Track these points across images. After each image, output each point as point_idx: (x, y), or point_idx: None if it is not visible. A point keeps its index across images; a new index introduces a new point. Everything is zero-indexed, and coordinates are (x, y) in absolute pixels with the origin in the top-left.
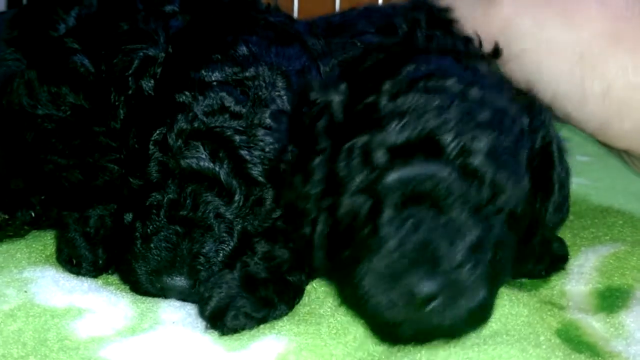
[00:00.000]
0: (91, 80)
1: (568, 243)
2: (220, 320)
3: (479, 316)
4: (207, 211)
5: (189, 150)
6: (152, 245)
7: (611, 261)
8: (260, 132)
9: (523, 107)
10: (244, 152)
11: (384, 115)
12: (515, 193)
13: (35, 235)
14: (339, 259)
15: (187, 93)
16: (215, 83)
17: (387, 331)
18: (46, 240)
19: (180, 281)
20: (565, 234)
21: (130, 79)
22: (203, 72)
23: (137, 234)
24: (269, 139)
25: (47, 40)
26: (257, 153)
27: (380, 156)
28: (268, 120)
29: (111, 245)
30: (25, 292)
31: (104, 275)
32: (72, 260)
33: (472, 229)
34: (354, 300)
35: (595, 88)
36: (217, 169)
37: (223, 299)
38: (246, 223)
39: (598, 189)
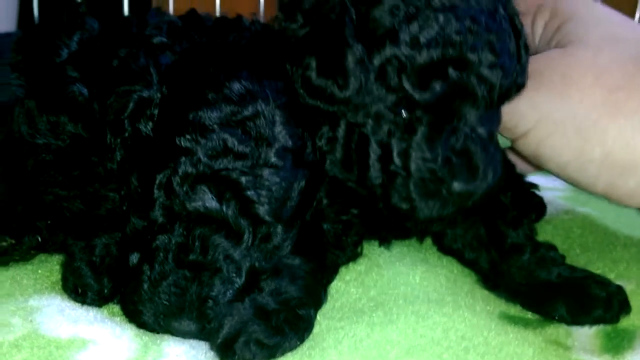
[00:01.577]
0: (89, 109)
1: None
2: (231, 348)
3: None
4: (217, 253)
5: (195, 194)
6: (160, 289)
7: None
8: (266, 172)
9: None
10: (250, 193)
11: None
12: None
13: (41, 260)
14: None
15: (187, 136)
16: (215, 125)
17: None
18: (52, 266)
19: (188, 325)
20: None
21: (126, 121)
22: (201, 113)
23: (144, 277)
24: (275, 178)
25: (49, 67)
26: (264, 193)
27: None
28: (273, 159)
29: (116, 274)
30: (31, 321)
31: (109, 305)
32: (77, 289)
33: None
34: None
35: (596, 154)
36: (224, 210)
37: (234, 325)
38: (254, 261)
39: (605, 219)
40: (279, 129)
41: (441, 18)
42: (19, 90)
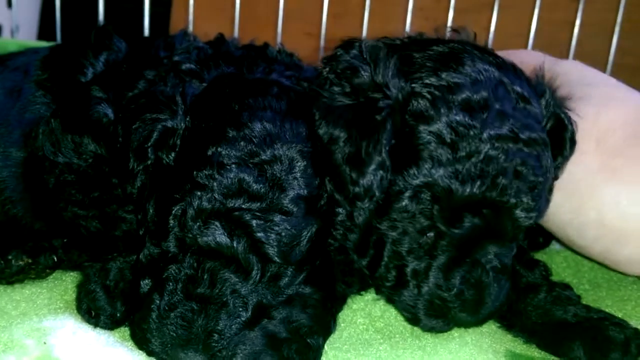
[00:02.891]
0: (112, 131)
1: None
2: None
3: None
4: (224, 288)
5: (207, 229)
6: (167, 321)
7: None
8: (277, 218)
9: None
10: (260, 235)
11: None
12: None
13: (55, 278)
14: None
15: (205, 171)
16: (233, 164)
17: None
18: (66, 285)
19: (194, 357)
20: None
21: (149, 149)
22: (220, 149)
23: (153, 306)
24: (285, 225)
25: (74, 86)
26: (273, 236)
27: None
28: (287, 206)
29: (129, 298)
30: (44, 343)
31: (121, 329)
32: (91, 312)
33: None
34: None
35: (591, 217)
36: (235, 246)
37: (247, 355)
38: (261, 297)
39: None
40: (296, 176)
41: (490, 154)
42: (42, 108)
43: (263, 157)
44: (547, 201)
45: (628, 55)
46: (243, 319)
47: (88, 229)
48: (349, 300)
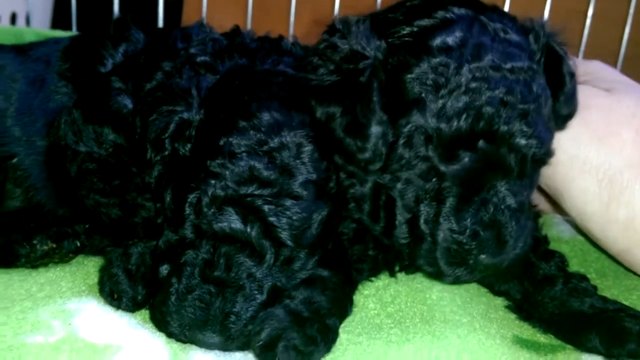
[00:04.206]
0: (131, 122)
1: None
2: (272, 350)
3: None
4: (240, 271)
5: (222, 215)
6: (186, 303)
7: None
8: (288, 202)
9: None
10: (272, 219)
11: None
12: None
13: (78, 262)
14: None
15: (217, 161)
16: (244, 153)
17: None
18: (88, 269)
19: (211, 338)
20: None
21: (167, 141)
22: (231, 139)
23: (171, 289)
24: (296, 208)
25: (95, 77)
26: (284, 220)
27: None
28: (297, 190)
29: (150, 282)
30: (70, 324)
31: (142, 311)
32: (113, 295)
33: None
34: None
35: (620, 215)
36: (248, 231)
37: (275, 330)
38: (275, 280)
39: None
40: (303, 161)
41: (472, 87)
42: (65, 98)
43: (271, 145)
44: (549, 130)
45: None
46: (259, 301)
47: (109, 215)
48: (360, 287)
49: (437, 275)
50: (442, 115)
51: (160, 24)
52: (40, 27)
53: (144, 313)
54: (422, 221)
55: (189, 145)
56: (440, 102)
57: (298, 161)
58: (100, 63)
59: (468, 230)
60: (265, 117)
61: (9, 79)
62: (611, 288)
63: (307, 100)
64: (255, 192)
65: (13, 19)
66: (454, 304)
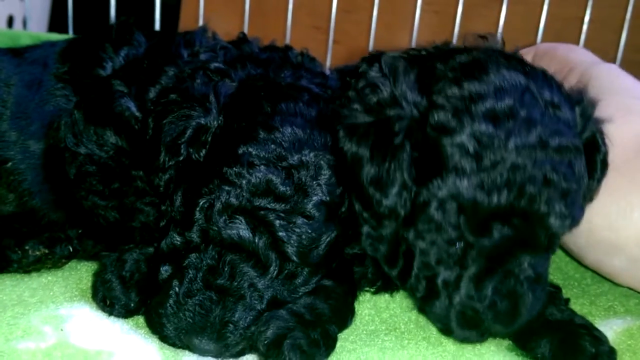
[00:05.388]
0: (134, 124)
1: (584, 311)
2: (279, 347)
3: None
4: (243, 281)
5: (232, 223)
6: (185, 307)
7: (623, 338)
8: (300, 221)
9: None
10: (282, 234)
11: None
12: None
13: (71, 267)
14: None
15: (235, 169)
16: (262, 164)
17: None
18: (81, 273)
19: (207, 345)
20: (583, 299)
21: (182, 146)
22: (251, 149)
23: (171, 291)
24: (306, 228)
25: (94, 80)
26: (294, 237)
27: None
28: (309, 211)
29: (144, 290)
30: (61, 330)
31: (135, 316)
32: (106, 301)
33: None
34: None
35: (583, 227)
36: (256, 241)
37: (280, 328)
38: (276, 292)
39: None
40: (320, 182)
41: (516, 162)
42: (62, 101)
43: (291, 162)
44: (582, 209)
45: (637, 52)
46: (257, 312)
47: (107, 218)
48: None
49: (445, 332)
50: (482, 187)
51: (157, 26)
52: (37, 29)
53: (137, 318)
54: (440, 281)
55: (203, 151)
56: (482, 174)
57: (315, 182)
58: (99, 66)
59: (487, 300)
60: (288, 132)
61: (4, 83)
62: (607, 293)
63: (333, 126)
64: (269, 206)
65: (10, 21)
66: None
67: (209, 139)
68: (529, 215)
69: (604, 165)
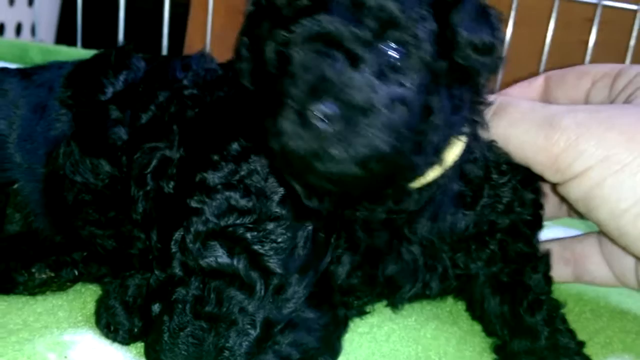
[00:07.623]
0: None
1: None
2: None
3: None
4: (231, 305)
5: (207, 250)
6: (179, 340)
7: None
8: (270, 225)
9: None
10: (257, 247)
11: None
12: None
13: (75, 291)
14: None
15: (196, 197)
16: (220, 185)
17: None
18: (85, 298)
19: None
20: (581, 335)
21: (148, 176)
22: (206, 175)
23: (164, 327)
24: (279, 230)
25: (93, 105)
26: (268, 246)
27: None
28: (275, 211)
29: (146, 314)
30: (65, 357)
31: (137, 344)
32: (110, 327)
33: None
34: None
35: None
36: (235, 264)
37: None
38: (267, 313)
39: (619, 288)
40: (273, 181)
41: None
42: (66, 126)
43: (242, 173)
44: None
45: None
46: (252, 336)
47: (104, 247)
48: (353, 325)
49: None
50: None
51: (165, 31)
52: (45, 37)
53: (140, 346)
54: None
55: (172, 183)
56: None
57: (268, 182)
58: (100, 91)
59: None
60: (234, 147)
61: (12, 104)
62: (606, 329)
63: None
64: (237, 222)
65: (18, 29)
66: (449, 344)
67: (174, 171)
68: None
69: None
